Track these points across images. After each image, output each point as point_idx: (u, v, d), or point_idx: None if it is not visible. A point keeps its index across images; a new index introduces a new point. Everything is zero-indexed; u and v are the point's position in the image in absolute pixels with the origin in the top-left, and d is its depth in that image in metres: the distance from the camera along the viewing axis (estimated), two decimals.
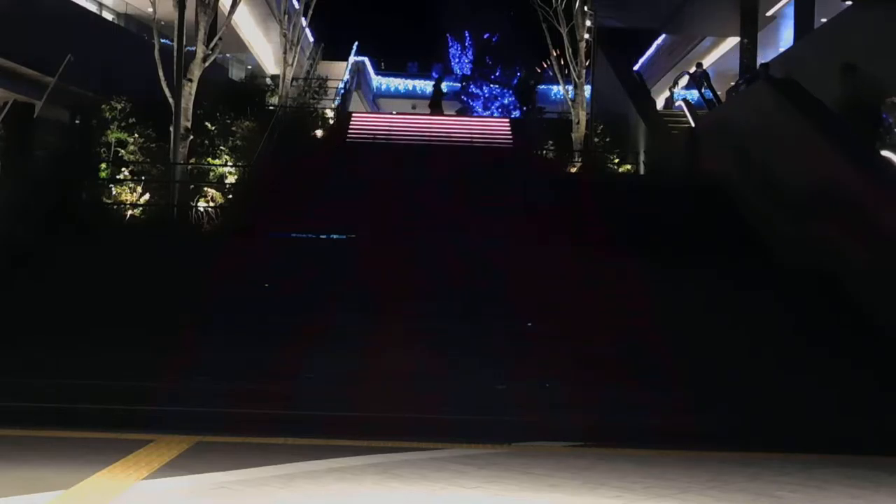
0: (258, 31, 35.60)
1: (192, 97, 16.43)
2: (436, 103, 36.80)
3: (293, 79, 26.47)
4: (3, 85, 17.87)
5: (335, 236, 14.99)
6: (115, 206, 15.83)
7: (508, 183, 17.03)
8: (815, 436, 9.27)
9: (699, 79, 24.30)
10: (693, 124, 20.79)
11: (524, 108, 31.13)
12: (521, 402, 9.97)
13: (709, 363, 10.82)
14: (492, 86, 49.72)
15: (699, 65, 26.22)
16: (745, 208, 15.83)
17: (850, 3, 19.55)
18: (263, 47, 37.33)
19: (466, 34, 52.32)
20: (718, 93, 23.72)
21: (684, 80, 27.53)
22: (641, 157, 22.70)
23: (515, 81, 43.70)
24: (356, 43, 38.08)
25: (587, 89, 24.08)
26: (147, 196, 16.23)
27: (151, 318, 11.33)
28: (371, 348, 10.72)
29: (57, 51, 17.27)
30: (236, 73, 35.94)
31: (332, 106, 27.75)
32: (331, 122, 25.92)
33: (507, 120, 30.90)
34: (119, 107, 16.95)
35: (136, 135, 16.93)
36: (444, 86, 39.76)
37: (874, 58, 16.34)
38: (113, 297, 11.87)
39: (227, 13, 18.87)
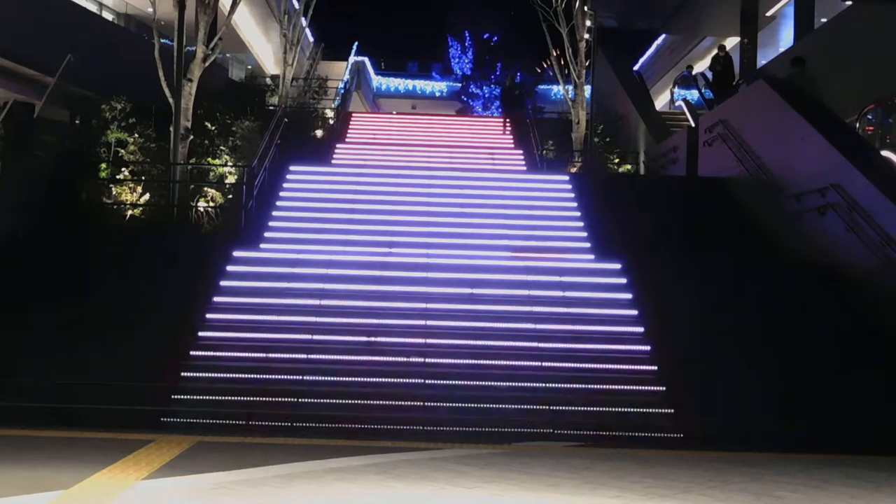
0: (258, 31, 35.58)
1: (192, 97, 16.42)
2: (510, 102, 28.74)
3: (293, 79, 26.46)
4: (3, 85, 17.85)
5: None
6: (114, 206, 15.81)
7: None
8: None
9: (699, 79, 24.22)
10: (693, 124, 20.78)
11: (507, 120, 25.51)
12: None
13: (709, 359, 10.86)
14: (492, 86, 49.69)
15: (721, 47, 25.94)
16: (746, 206, 15.83)
17: (849, 2, 19.54)
18: (263, 47, 37.31)
19: (466, 34, 52.31)
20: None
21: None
22: (641, 157, 22.70)
23: (500, 90, 37.15)
24: (356, 43, 38.06)
25: (587, 89, 24.08)
26: (147, 196, 16.22)
27: (151, 317, 11.33)
28: None
29: (57, 51, 17.26)
30: (236, 73, 35.92)
31: (332, 106, 27.73)
32: (331, 121, 25.91)
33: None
34: (119, 107, 16.95)
35: (136, 135, 16.92)
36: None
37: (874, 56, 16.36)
38: (112, 296, 11.86)
39: (227, 13, 18.85)
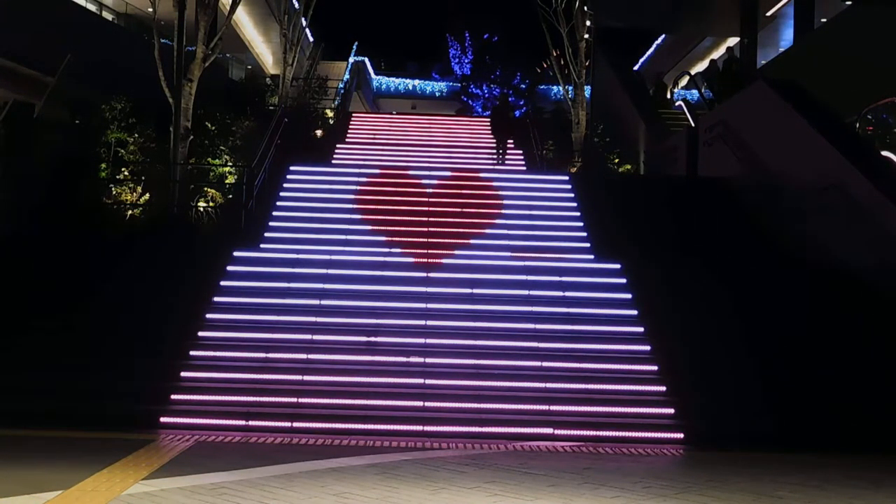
0: (258, 31, 35.61)
1: (192, 97, 16.40)
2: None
3: (293, 79, 26.44)
4: (3, 85, 17.85)
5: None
6: (115, 206, 15.81)
7: None
8: None
9: (698, 79, 24.24)
10: (693, 124, 20.78)
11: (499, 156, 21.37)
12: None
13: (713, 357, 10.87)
14: (492, 85, 49.73)
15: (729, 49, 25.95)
16: (746, 206, 15.84)
17: (849, 2, 19.56)
18: (263, 47, 37.34)
19: (466, 34, 52.30)
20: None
21: (684, 81, 27.49)
22: (641, 157, 22.68)
23: (490, 105, 30.88)
24: (356, 43, 38.04)
25: (587, 89, 24.06)
26: (147, 196, 16.21)
27: (151, 317, 11.33)
28: None
29: (57, 51, 17.26)
30: (236, 73, 35.91)
31: (332, 106, 27.73)
32: (331, 121, 25.91)
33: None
34: (119, 107, 16.93)
35: (136, 135, 16.91)
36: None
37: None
38: (112, 296, 11.87)
39: (227, 13, 18.85)
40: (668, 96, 26.35)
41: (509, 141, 21.58)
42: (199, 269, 12.51)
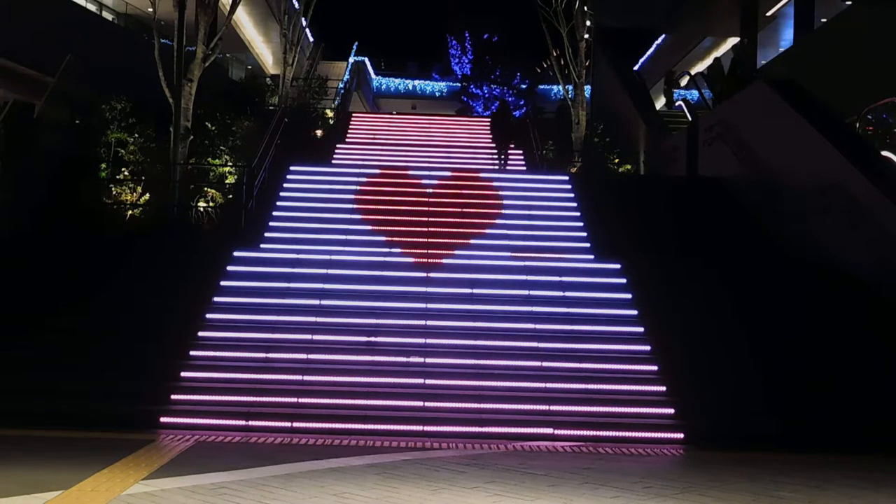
0: (258, 31, 35.61)
1: (192, 97, 16.40)
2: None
3: (293, 79, 26.46)
4: (3, 85, 17.86)
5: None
6: (115, 207, 15.81)
7: None
8: None
9: (698, 79, 24.20)
10: (693, 124, 20.77)
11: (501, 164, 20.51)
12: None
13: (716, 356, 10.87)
14: (492, 86, 49.74)
15: (735, 47, 25.81)
16: (746, 206, 15.84)
17: (849, 2, 19.55)
18: (263, 47, 37.34)
19: (466, 34, 52.31)
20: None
21: (684, 81, 27.46)
22: (641, 157, 22.68)
23: (490, 113, 28.12)
24: (356, 43, 38.05)
25: (587, 89, 24.04)
26: (147, 196, 16.21)
27: (151, 317, 11.33)
28: None
29: (57, 51, 17.26)
30: (236, 73, 35.91)
31: (332, 106, 27.75)
32: (331, 121, 25.93)
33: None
34: (119, 107, 16.93)
35: (136, 135, 16.91)
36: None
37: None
38: (112, 296, 11.87)
39: (227, 13, 18.86)
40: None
41: (511, 146, 21.18)
42: (199, 269, 12.51)
